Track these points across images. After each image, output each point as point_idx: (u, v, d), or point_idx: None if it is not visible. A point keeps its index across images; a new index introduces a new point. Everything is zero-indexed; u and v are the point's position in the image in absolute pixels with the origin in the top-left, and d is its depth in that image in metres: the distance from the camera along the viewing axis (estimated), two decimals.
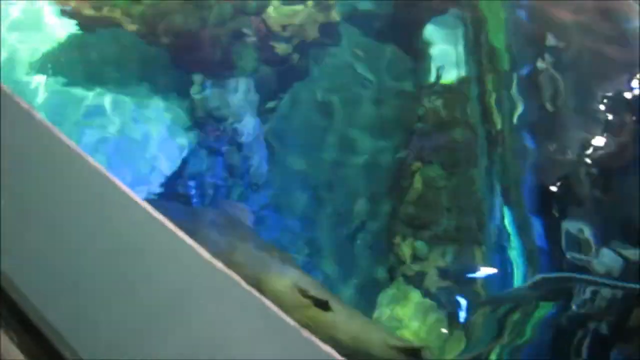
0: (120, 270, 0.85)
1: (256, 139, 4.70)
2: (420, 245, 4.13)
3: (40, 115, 1.10)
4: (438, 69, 4.97)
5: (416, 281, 4.00)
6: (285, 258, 3.52)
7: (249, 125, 4.72)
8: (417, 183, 4.41)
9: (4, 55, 4.82)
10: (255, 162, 4.62)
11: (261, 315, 0.81)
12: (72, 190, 0.96)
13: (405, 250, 4.12)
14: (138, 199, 0.98)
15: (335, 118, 4.88)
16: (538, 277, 4.01)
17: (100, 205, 0.94)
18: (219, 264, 0.86)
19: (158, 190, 4.42)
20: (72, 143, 1.01)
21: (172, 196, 4.41)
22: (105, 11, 4.91)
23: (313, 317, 3.08)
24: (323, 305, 3.09)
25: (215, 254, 0.86)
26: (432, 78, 4.95)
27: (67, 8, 5.07)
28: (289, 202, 4.53)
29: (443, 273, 4.05)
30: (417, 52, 5.08)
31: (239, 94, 4.82)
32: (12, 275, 0.80)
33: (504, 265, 4.18)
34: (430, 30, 5.10)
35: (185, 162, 4.59)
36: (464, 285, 4.04)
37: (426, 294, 3.97)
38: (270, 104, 4.87)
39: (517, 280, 4.14)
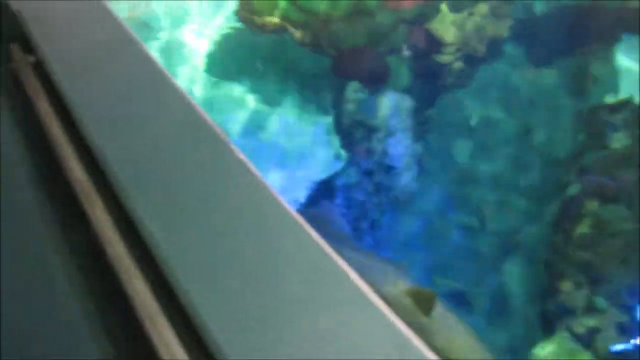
0: (266, 276, 0.89)
1: (406, 155, 4.55)
2: (598, 300, 3.55)
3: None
4: (621, 97, 4.40)
5: (586, 340, 3.47)
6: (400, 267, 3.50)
7: (399, 141, 4.59)
8: (592, 224, 3.87)
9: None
10: (404, 180, 4.47)
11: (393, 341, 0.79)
12: (231, 194, 1.02)
13: (578, 300, 3.59)
14: (292, 211, 1.01)
15: (491, 143, 4.54)
16: None
17: (256, 213, 0.99)
18: (360, 282, 0.87)
19: (302, 199, 4.40)
20: (234, 146, 1.06)
21: (315, 206, 4.37)
22: (270, 17, 4.94)
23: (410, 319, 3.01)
24: (425, 305, 3.01)
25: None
26: (614, 107, 4.38)
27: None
28: (436, 224, 4.29)
29: (622, 332, 3.46)
30: (593, 77, 4.56)
31: (392, 108, 4.67)
32: (177, 271, 0.89)
33: None
34: (618, 50, 4.56)
35: (333, 174, 4.54)
36: None
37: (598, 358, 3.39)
38: (423, 121, 4.67)
39: None
